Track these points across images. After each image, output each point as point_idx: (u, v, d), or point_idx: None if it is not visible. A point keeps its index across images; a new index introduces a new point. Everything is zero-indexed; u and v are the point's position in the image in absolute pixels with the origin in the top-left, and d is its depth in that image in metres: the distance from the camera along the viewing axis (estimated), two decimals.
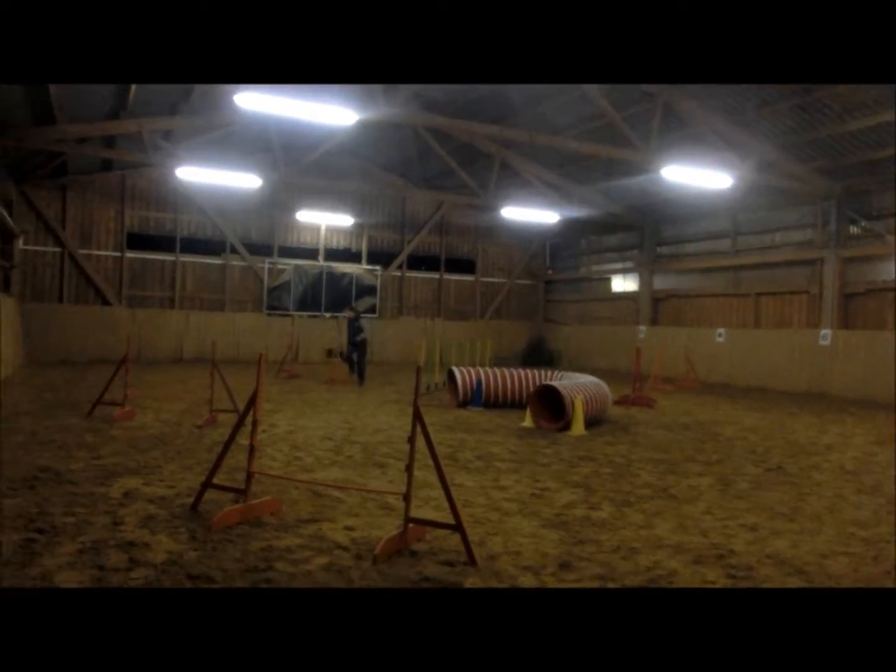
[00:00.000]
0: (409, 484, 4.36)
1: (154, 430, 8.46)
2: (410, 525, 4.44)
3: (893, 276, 16.17)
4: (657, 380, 16.54)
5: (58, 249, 19.67)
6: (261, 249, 22.31)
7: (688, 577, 4.12)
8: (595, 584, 3.94)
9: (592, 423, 10.19)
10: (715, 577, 4.12)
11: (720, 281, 20.57)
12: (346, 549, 4.39)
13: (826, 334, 17.06)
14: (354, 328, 15.15)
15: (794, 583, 4.10)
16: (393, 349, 23.35)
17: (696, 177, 15.00)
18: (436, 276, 25.09)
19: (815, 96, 13.52)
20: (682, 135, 15.87)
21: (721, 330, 19.99)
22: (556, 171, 20.28)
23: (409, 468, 4.40)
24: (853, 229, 17.10)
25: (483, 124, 15.27)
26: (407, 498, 4.37)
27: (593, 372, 14.18)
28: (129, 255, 20.59)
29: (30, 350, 17.71)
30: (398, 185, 22.78)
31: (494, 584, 3.88)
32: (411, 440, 4.39)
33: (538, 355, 24.78)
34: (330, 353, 14.44)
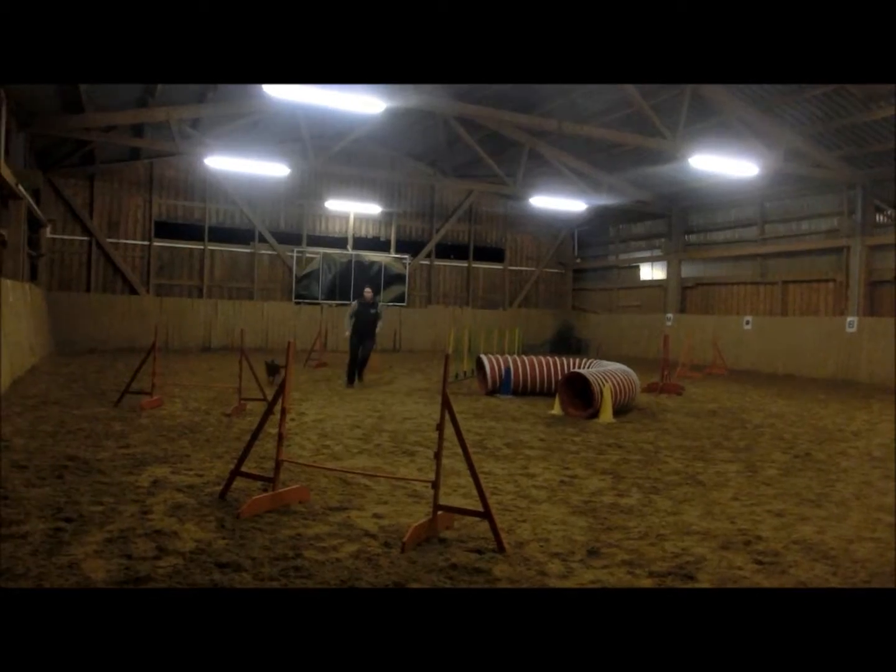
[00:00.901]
0: (437, 472, 4.38)
1: (182, 419, 8.49)
2: (439, 513, 4.44)
3: None
4: (685, 367, 16.48)
5: (85, 238, 19.85)
6: (290, 238, 22.46)
7: (715, 562, 4.16)
8: (623, 570, 3.99)
9: (621, 410, 10.21)
10: (742, 563, 4.16)
11: (747, 269, 20.36)
12: (374, 536, 4.41)
13: (852, 321, 16.90)
14: (370, 316, 12.80)
15: (820, 568, 4.14)
16: (422, 337, 23.49)
17: (724, 165, 14.86)
18: (464, 264, 25.15)
19: (840, 85, 13.29)
20: (709, 123, 15.71)
21: (748, 317, 19.80)
22: (585, 160, 20.19)
23: (437, 456, 4.40)
24: (879, 217, 16.88)
25: (512, 113, 15.22)
26: (436, 485, 4.39)
27: (621, 360, 14.16)
28: (157, 243, 20.80)
29: (58, 339, 17.88)
30: (427, 174, 22.82)
31: (523, 570, 3.91)
32: (440, 428, 4.40)
33: (567, 343, 24.75)
34: (270, 369, 11.77)
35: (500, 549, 4.23)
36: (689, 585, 3.82)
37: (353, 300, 13.45)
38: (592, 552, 4.27)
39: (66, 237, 19.65)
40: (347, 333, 12.68)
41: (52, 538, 4.10)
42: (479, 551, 4.20)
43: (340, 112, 13.50)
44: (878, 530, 4.95)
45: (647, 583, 3.83)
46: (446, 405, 4.42)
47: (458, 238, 24.95)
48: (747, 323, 19.73)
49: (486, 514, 4.33)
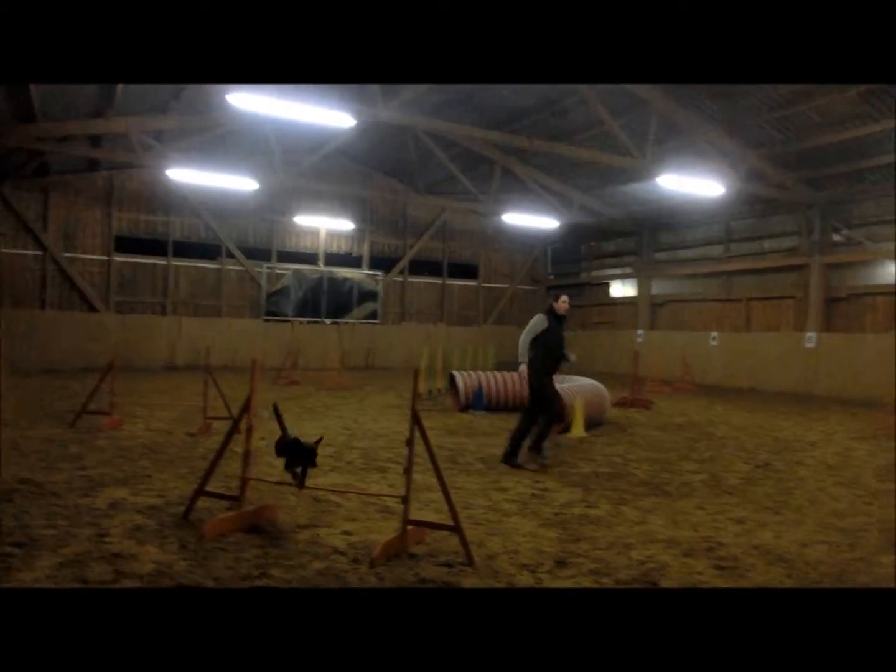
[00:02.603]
0: (407, 487, 4.39)
1: (144, 439, 8.18)
2: (409, 528, 4.44)
3: (872, 282, 16.74)
4: (655, 382, 16.78)
5: (39, 253, 18.81)
6: (258, 254, 22.15)
7: (678, 569, 4.30)
8: (590, 580, 4.08)
9: (592, 424, 10.35)
10: (703, 569, 4.31)
11: (714, 286, 20.84)
12: (343, 553, 4.38)
13: (811, 337, 17.47)
14: (562, 338, 7.87)
15: (776, 571, 4.33)
16: (395, 355, 23.50)
17: (691, 185, 15.24)
18: (438, 281, 25.28)
19: (799, 108, 13.84)
20: (677, 143, 16.12)
21: (715, 333, 20.23)
22: (557, 178, 20.52)
23: (407, 471, 4.42)
24: (835, 237, 17.49)
25: (484, 129, 15.44)
26: (405, 500, 4.39)
27: (594, 375, 14.33)
28: (118, 259, 19.91)
29: (10, 358, 16.56)
30: (399, 190, 22.91)
31: (492, 583, 3.96)
32: (409, 443, 4.43)
33: None
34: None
35: (470, 562, 4.26)
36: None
37: (540, 313, 7.74)
38: (560, 563, 4.35)
39: (17, 251, 18.55)
40: (524, 366, 7.51)
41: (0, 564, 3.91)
42: (448, 565, 4.23)
43: (310, 126, 13.46)
44: (831, 534, 5.21)
45: None
46: (416, 420, 4.44)
47: (431, 255, 25.10)
48: (713, 339, 20.15)
49: (456, 528, 4.36)
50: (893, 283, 16.25)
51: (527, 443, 7.52)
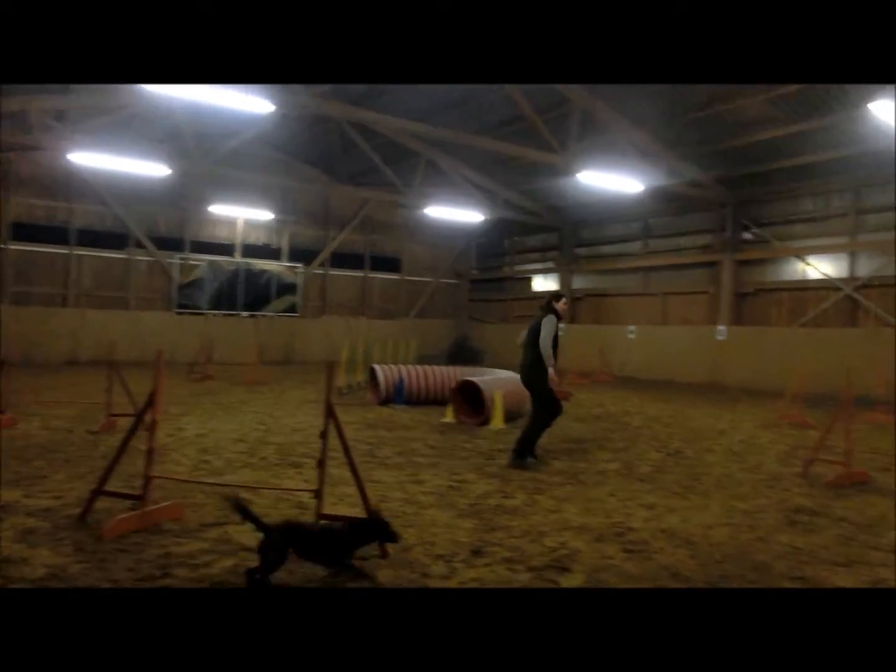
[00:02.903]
0: (320, 480, 4.33)
1: (40, 439, 7.76)
2: (322, 522, 4.38)
3: (778, 278, 17.67)
4: (575, 375, 17.17)
5: None
6: (170, 244, 21.12)
7: (589, 554, 4.42)
8: (503, 567, 4.12)
9: (512, 416, 10.43)
10: (613, 553, 4.45)
11: (632, 281, 21.48)
12: (253, 550, 4.17)
13: (722, 330, 18.29)
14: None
15: (682, 553, 4.49)
16: (315, 349, 23.07)
17: (611, 182, 15.62)
18: (360, 274, 25.00)
19: (716, 110, 14.37)
20: (598, 141, 16.45)
21: (632, 327, 20.86)
22: (482, 172, 20.60)
23: (321, 464, 4.36)
24: (746, 235, 18.35)
25: (408, 121, 15.29)
26: (318, 494, 4.33)
27: (516, 369, 14.47)
28: (14, 247, 18.61)
29: None
30: (321, 181, 22.43)
31: (406, 573, 3.96)
32: (323, 436, 4.36)
33: (463, 353, 25.06)
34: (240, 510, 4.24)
35: (384, 554, 4.23)
36: (564, 576, 4.03)
37: (550, 315, 7.35)
38: (476, 552, 4.39)
39: None
40: (554, 370, 7.26)
41: None
42: (362, 558, 4.18)
43: (227, 111, 12.90)
44: (734, 516, 5.45)
45: (524, 577, 3.99)
46: (330, 413, 4.36)
47: (353, 247, 24.77)
48: (631, 332, 20.79)
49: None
50: (798, 279, 17.22)
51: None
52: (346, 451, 4.37)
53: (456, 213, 20.61)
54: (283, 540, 3.72)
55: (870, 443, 8.58)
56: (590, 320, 22.72)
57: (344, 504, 5.35)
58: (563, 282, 23.45)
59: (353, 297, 24.90)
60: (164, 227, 21.16)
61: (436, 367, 12.72)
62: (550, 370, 7.14)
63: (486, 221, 22.24)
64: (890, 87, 9.57)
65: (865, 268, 15.89)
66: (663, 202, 19.43)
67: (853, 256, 16.16)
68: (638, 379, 19.29)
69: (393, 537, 3.99)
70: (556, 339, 7.27)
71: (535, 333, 7.30)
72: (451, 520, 5.14)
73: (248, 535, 4.51)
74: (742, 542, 4.75)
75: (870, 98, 9.79)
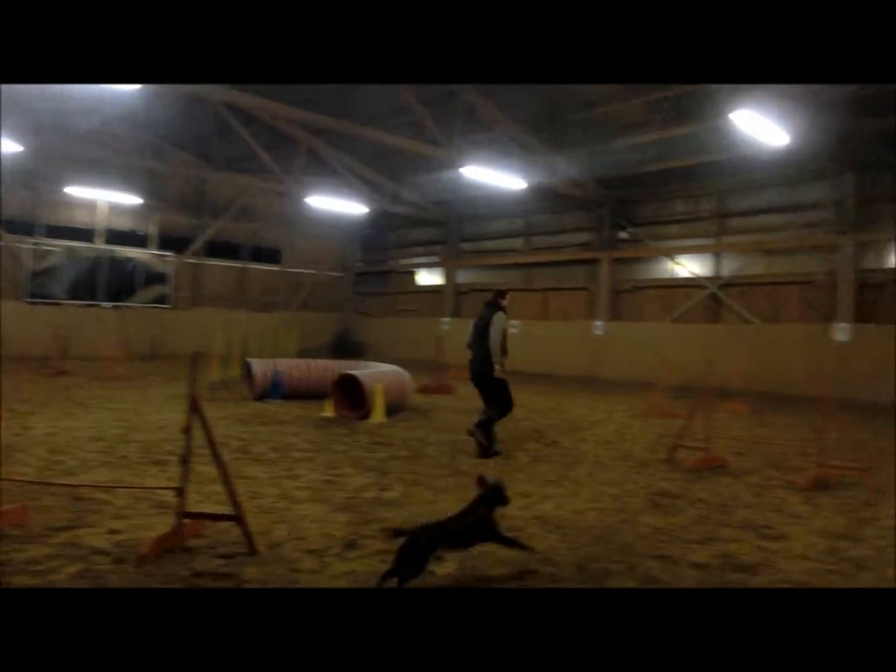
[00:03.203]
0: (183, 476, 4.12)
1: None
2: (185, 521, 4.18)
3: (652, 276, 18.69)
4: (458, 369, 17.25)
5: None
6: (21, 227, 19.30)
7: None
8: (377, 559, 4.04)
9: (393, 410, 10.36)
10: None
11: (515, 277, 21.99)
12: (106, 553, 4.00)
13: (599, 325, 19.13)
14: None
15: (553, 537, 4.60)
16: (187, 343, 21.85)
17: (494, 178, 15.87)
18: (238, 264, 24.02)
19: (596, 112, 14.93)
20: (483, 137, 16.67)
21: (515, 322, 21.34)
22: (367, 163, 20.32)
23: (184, 460, 4.16)
24: (622, 234, 19.25)
25: (287, 107, 14.74)
26: (181, 492, 4.12)
27: (399, 363, 14.42)
28: None
29: None
30: (195, 165, 21.29)
31: (274, 570, 3.85)
32: (186, 430, 4.16)
33: (345, 347, 24.73)
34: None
35: (252, 551, 4.09)
36: (440, 565, 3.99)
37: (500, 311, 7.58)
38: (349, 545, 4.32)
39: None
40: (503, 365, 7.55)
41: None
42: (228, 556, 4.03)
43: (87, 87, 11.89)
44: (603, 501, 5.67)
45: None
46: (194, 406, 4.17)
47: (231, 236, 23.72)
48: (514, 327, 21.25)
49: (238, 518, 4.15)
50: (669, 277, 18.25)
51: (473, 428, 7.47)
52: (212, 445, 4.18)
53: (340, 205, 20.24)
54: (429, 543, 3.47)
55: (728, 430, 9.19)
56: (473, 315, 22.94)
57: (210, 502, 5.11)
58: (448, 276, 23.66)
59: (231, 289, 23.89)
60: (14, 209, 19.24)
61: (316, 361, 12.42)
62: (497, 366, 7.32)
63: (370, 214, 22.02)
64: (749, 99, 10.30)
65: (728, 268, 17.09)
66: (545, 200, 20.04)
67: (717, 257, 17.34)
68: (521, 372, 19.73)
69: (507, 501, 3.92)
70: (504, 333, 7.42)
71: (483, 330, 7.40)
72: (325, 514, 5.02)
73: (102, 538, 4.25)
74: (609, 525, 4.93)
75: (732, 108, 10.49)
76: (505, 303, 7.65)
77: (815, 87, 11.40)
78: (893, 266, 14.47)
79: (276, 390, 11.38)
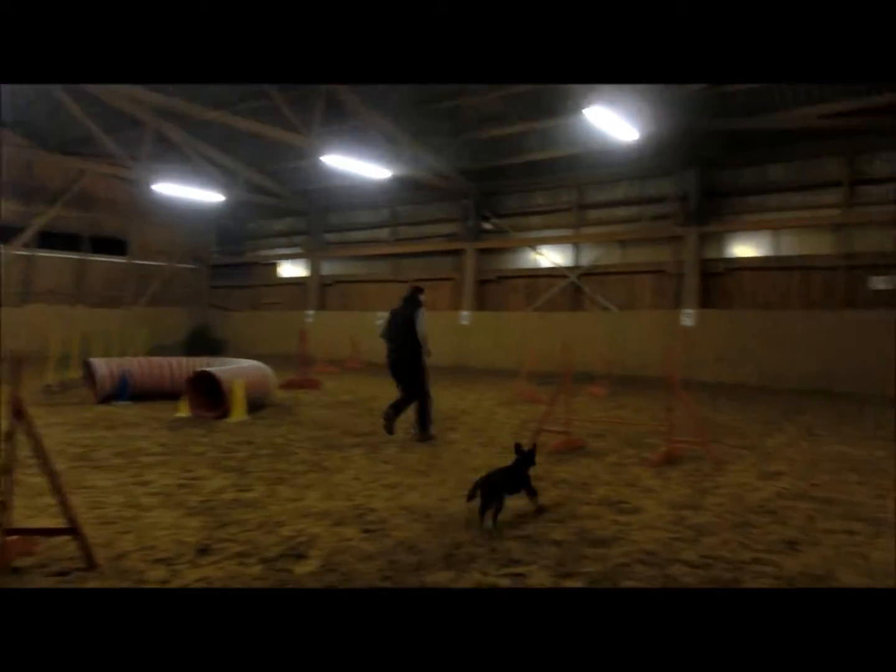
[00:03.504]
0: (7, 490, 3.66)
1: None
2: (11, 538, 3.75)
3: (515, 266, 19.23)
4: (324, 363, 16.96)
5: None
6: None
7: (328, 538, 4.31)
8: (234, 563, 3.85)
9: (255, 407, 9.97)
10: (352, 535, 4.40)
11: (382, 267, 21.87)
12: None
13: (466, 315, 19.42)
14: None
15: (418, 526, 4.57)
16: (16, 343, 19.82)
17: (357, 167, 15.63)
18: (77, 256, 22.05)
19: (458, 102, 15.07)
20: (345, 126, 16.36)
21: (382, 313, 21.22)
22: (220, 149, 19.28)
23: (6, 471, 3.70)
24: (486, 225, 19.65)
25: (129, 86, 13.62)
26: (3, 505, 3.66)
27: (263, 358, 13.89)
28: None
29: None
30: (22, 146, 19.21)
31: (117, 583, 3.54)
32: (9, 437, 3.70)
33: (203, 343, 23.48)
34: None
35: (91, 565, 3.75)
36: (299, 563, 3.87)
37: (422, 309, 8.11)
38: (202, 550, 4.08)
39: None
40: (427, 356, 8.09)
41: None
42: (63, 573, 3.67)
43: None
44: (468, 488, 5.60)
45: (256, 570, 3.77)
46: (17, 411, 3.72)
47: (68, 225, 21.69)
48: (380, 318, 21.12)
49: (73, 530, 3.80)
50: (532, 267, 18.82)
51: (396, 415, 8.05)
52: (40, 453, 3.77)
53: (192, 192, 19.11)
54: (499, 483, 4.63)
55: (588, 413, 9.61)
56: (339, 307, 22.68)
57: (45, 515, 4.62)
58: (312, 268, 23.09)
59: (69, 283, 21.89)
60: None
61: (169, 359, 11.65)
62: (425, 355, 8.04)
63: (226, 202, 20.98)
64: (601, 95, 10.78)
65: (586, 258, 17.92)
66: (410, 191, 20.05)
67: (577, 247, 18.12)
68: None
69: (535, 463, 5.09)
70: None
71: (409, 326, 7.85)
72: (177, 520, 4.69)
73: None
74: (474, 512, 4.92)
75: (586, 104, 10.93)
76: (423, 297, 8.14)
77: (661, 86, 12.16)
78: (731, 256, 15.81)
79: (124, 391, 10.56)
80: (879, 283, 13.73)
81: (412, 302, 8.06)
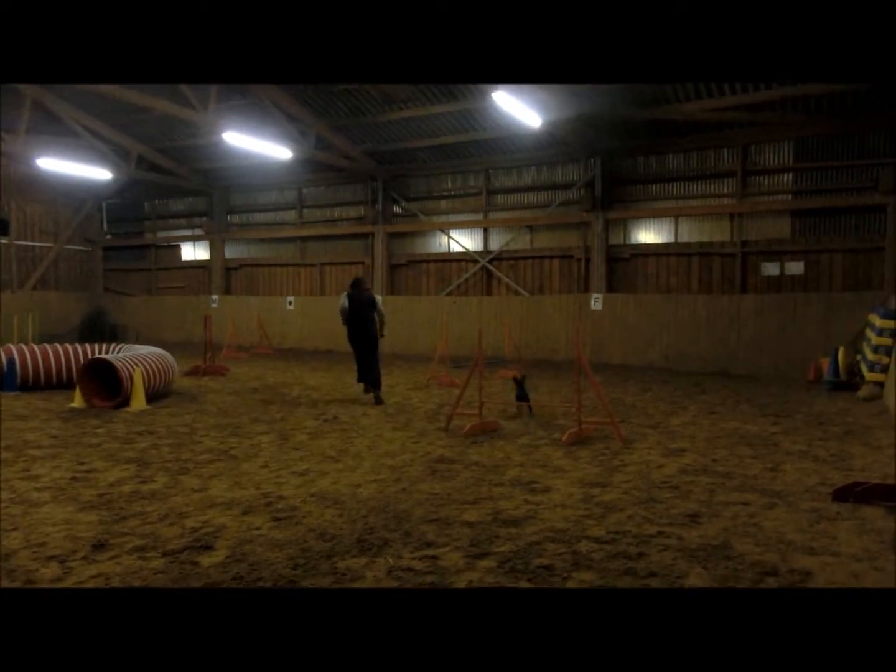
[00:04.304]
0: None
1: None
2: None
3: (426, 251, 19.10)
4: (231, 348, 16.41)
5: None
6: None
7: (235, 528, 4.18)
8: (133, 558, 3.66)
9: (157, 396, 9.53)
10: (261, 523, 4.27)
11: (289, 251, 21.29)
12: None
13: (378, 299, 19.13)
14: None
15: (330, 513, 4.49)
16: None
17: (259, 146, 15.13)
18: None
19: (360, 84, 14.75)
20: (246, 102, 15.74)
21: (291, 297, 20.74)
22: (108, 122, 18.07)
23: None
24: (396, 209, 19.47)
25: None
26: None
27: (164, 345, 13.30)
28: None
29: None
30: None
31: (6, 584, 3.33)
32: None
33: (99, 330, 22.20)
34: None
35: None
36: (205, 555, 3.73)
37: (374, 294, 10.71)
38: (99, 546, 3.88)
39: None
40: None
41: None
42: None
43: None
44: (382, 472, 5.65)
45: (158, 563, 3.62)
46: None
47: None
48: (290, 303, 20.63)
49: None
50: (443, 251, 18.76)
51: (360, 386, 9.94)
52: None
53: (77, 168, 17.83)
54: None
55: (501, 396, 9.73)
56: (245, 291, 21.95)
57: None
58: (215, 250, 22.20)
59: None
60: None
61: (61, 346, 10.94)
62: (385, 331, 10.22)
63: (118, 180, 19.76)
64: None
65: (496, 242, 18.08)
66: (317, 171, 19.57)
67: (486, 232, 18.24)
68: (299, 349, 19.30)
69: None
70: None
71: (370, 307, 9.84)
72: (70, 515, 4.44)
73: None
74: (387, 495, 4.92)
75: (493, 88, 10.96)
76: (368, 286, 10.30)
77: None
78: (633, 242, 16.36)
79: (10, 381, 9.84)
80: (769, 269, 14.62)
81: (363, 288, 10.09)
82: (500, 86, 10.74)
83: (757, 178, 14.84)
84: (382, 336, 9.99)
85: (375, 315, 9.82)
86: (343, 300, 9.88)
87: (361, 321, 9.70)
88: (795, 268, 14.29)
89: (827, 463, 6.02)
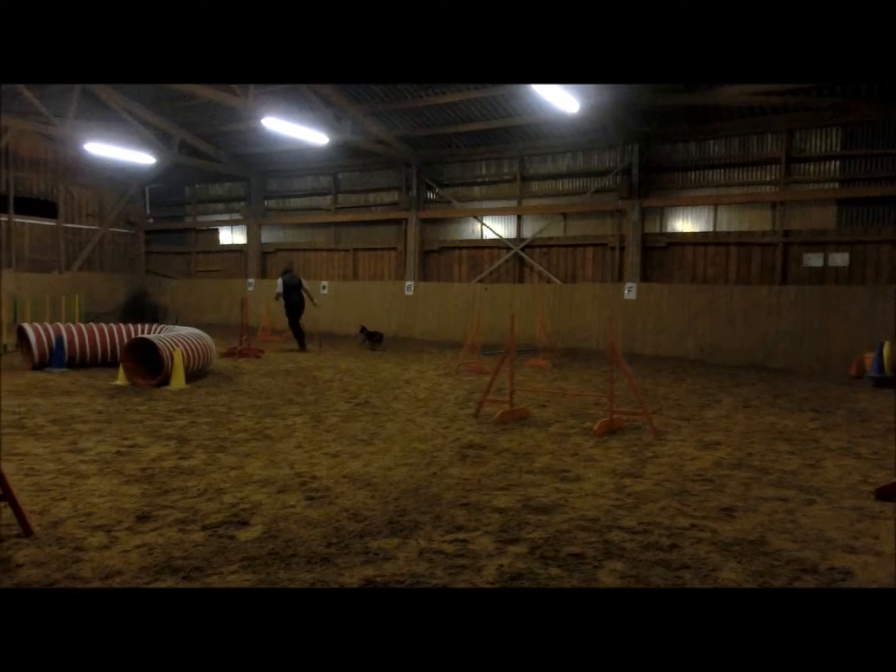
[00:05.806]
0: None
1: None
2: None
3: (459, 237, 19.15)
4: (266, 331, 16.68)
5: None
6: None
7: (270, 505, 4.30)
8: (174, 530, 3.80)
9: (195, 375, 9.76)
10: (295, 501, 4.38)
11: (323, 236, 21.49)
12: None
13: (410, 285, 19.30)
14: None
15: (363, 494, 4.58)
16: None
17: (297, 132, 15.26)
18: (2, 218, 20.93)
19: None
20: (284, 87, 15.87)
21: (325, 282, 20.96)
22: (153, 109, 18.44)
23: None
24: (430, 195, 19.48)
25: None
26: None
27: (203, 326, 13.59)
28: None
29: None
30: None
31: (55, 550, 3.49)
32: None
33: (141, 310, 22.71)
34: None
35: (27, 532, 3.68)
36: (242, 530, 3.85)
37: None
38: (143, 517, 4.04)
39: None
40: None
41: None
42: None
43: None
44: (413, 457, 5.72)
45: (198, 536, 3.74)
46: None
47: None
48: (324, 287, 20.85)
49: (6, 497, 3.69)
50: (476, 238, 18.77)
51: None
52: None
53: (123, 153, 18.23)
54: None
55: (532, 384, 9.74)
56: (280, 275, 22.18)
57: None
58: (252, 234, 22.52)
59: None
60: None
61: (106, 326, 11.27)
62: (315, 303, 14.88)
63: (161, 165, 20.14)
64: None
65: (530, 230, 18.00)
66: (352, 157, 19.67)
67: (520, 219, 18.18)
68: (331, 333, 19.50)
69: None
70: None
71: (298, 287, 14.54)
72: (115, 487, 4.61)
73: None
74: (418, 479, 4.99)
75: None
76: (295, 271, 14.98)
77: None
78: (669, 230, 16.15)
79: (59, 358, 10.18)
80: (812, 260, 14.30)
81: (292, 273, 14.92)
82: None
83: (802, 165, 14.49)
84: (315, 304, 14.95)
85: (303, 292, 14.53)
86: (279, 283, 14.49)
87: (293, 297, 14.41)
88: (840, 259, 13.93)
89: (869, 461, 5.90)
